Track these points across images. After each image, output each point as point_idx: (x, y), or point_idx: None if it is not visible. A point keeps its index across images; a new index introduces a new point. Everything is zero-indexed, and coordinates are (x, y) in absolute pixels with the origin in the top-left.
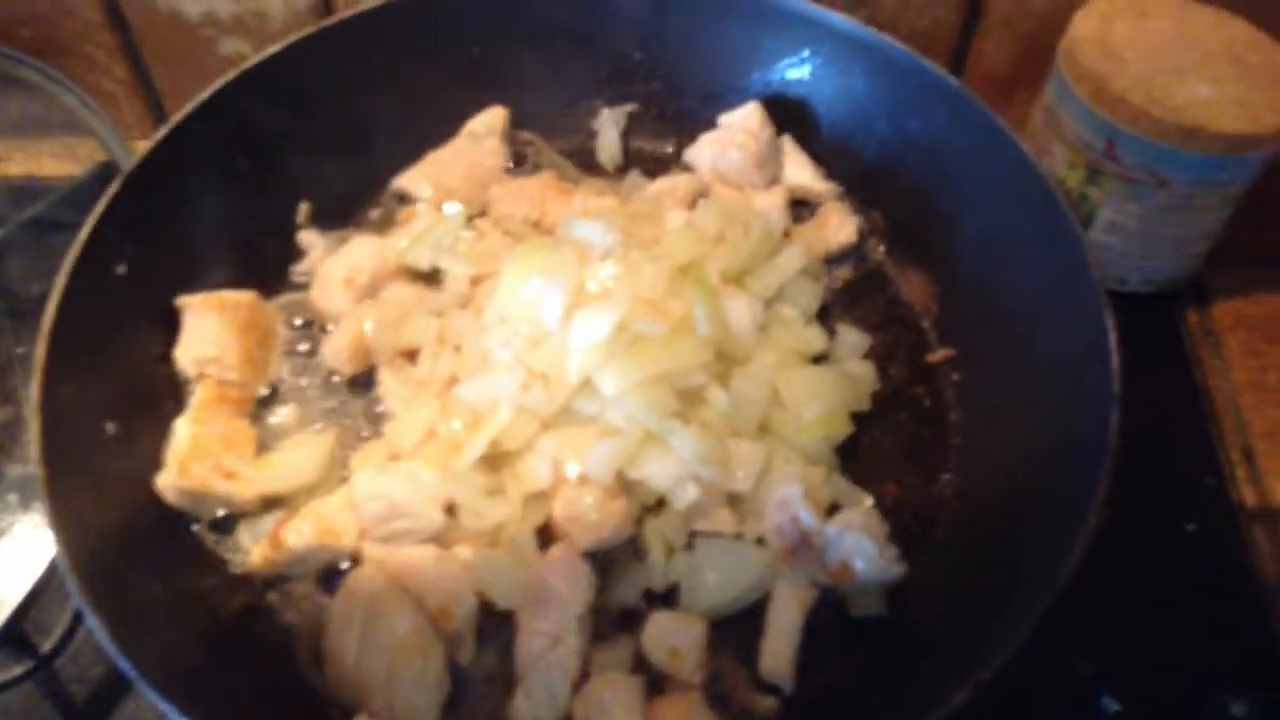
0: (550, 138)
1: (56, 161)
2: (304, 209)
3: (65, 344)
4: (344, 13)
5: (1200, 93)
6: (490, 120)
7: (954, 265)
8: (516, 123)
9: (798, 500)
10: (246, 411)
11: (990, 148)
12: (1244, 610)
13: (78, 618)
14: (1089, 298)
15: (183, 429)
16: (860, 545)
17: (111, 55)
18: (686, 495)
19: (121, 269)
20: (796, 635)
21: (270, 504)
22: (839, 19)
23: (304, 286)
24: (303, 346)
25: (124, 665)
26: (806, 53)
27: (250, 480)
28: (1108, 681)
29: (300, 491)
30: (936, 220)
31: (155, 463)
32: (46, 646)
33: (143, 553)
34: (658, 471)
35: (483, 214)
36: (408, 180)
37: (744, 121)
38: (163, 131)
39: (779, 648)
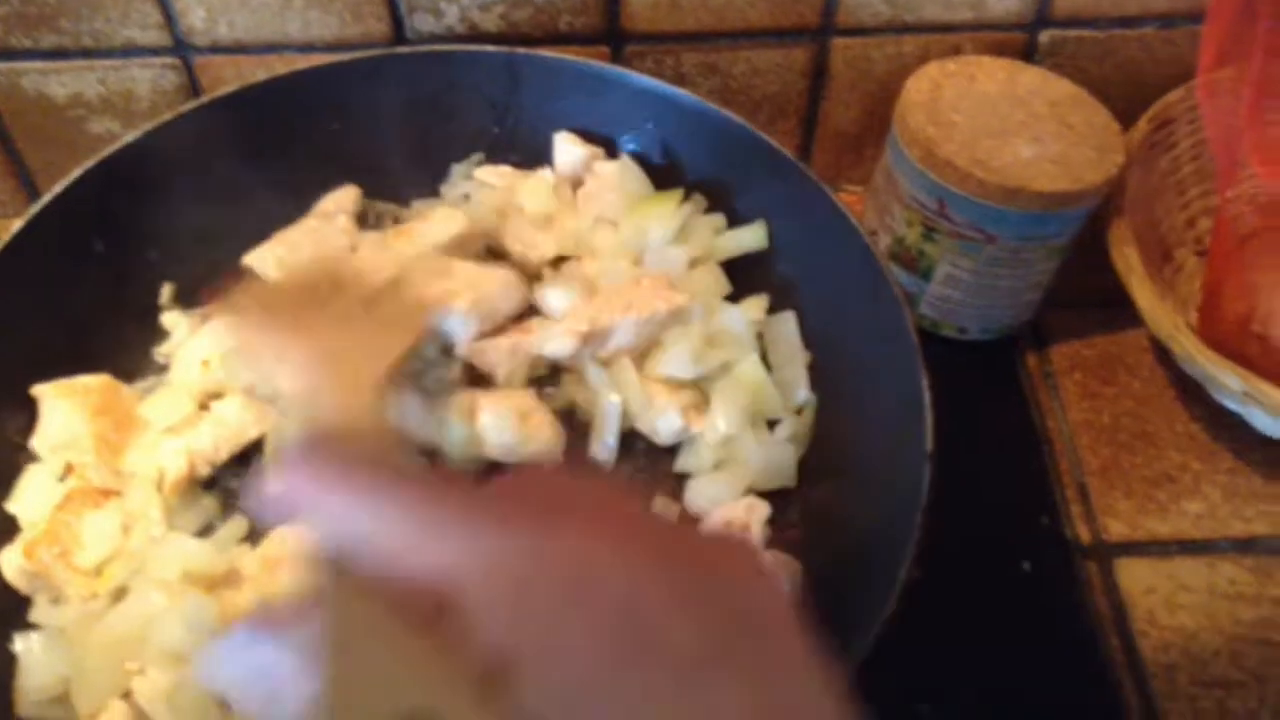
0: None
1: None
2: (167, 290)
3: None
4: (201, 97)
5: (1023, 153)
6: (341, 199)
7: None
8: (374, 195)
9: None
10: (104, 500)
11: (822, 216)
12: (1077, 645)
13: None
14: (907, 358)
15: (41, 512)
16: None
17: None
18: None
19: None
20: None
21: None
22: (679, 93)
23: (167, 369)
24: None
25: None
26: (650, 125)
27: (86, 576)
28: None
29: None
30: (779, 283)
31: None
32: None
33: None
34: None
35: None
36: (255, 258)
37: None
38: (17, 225)
39: None
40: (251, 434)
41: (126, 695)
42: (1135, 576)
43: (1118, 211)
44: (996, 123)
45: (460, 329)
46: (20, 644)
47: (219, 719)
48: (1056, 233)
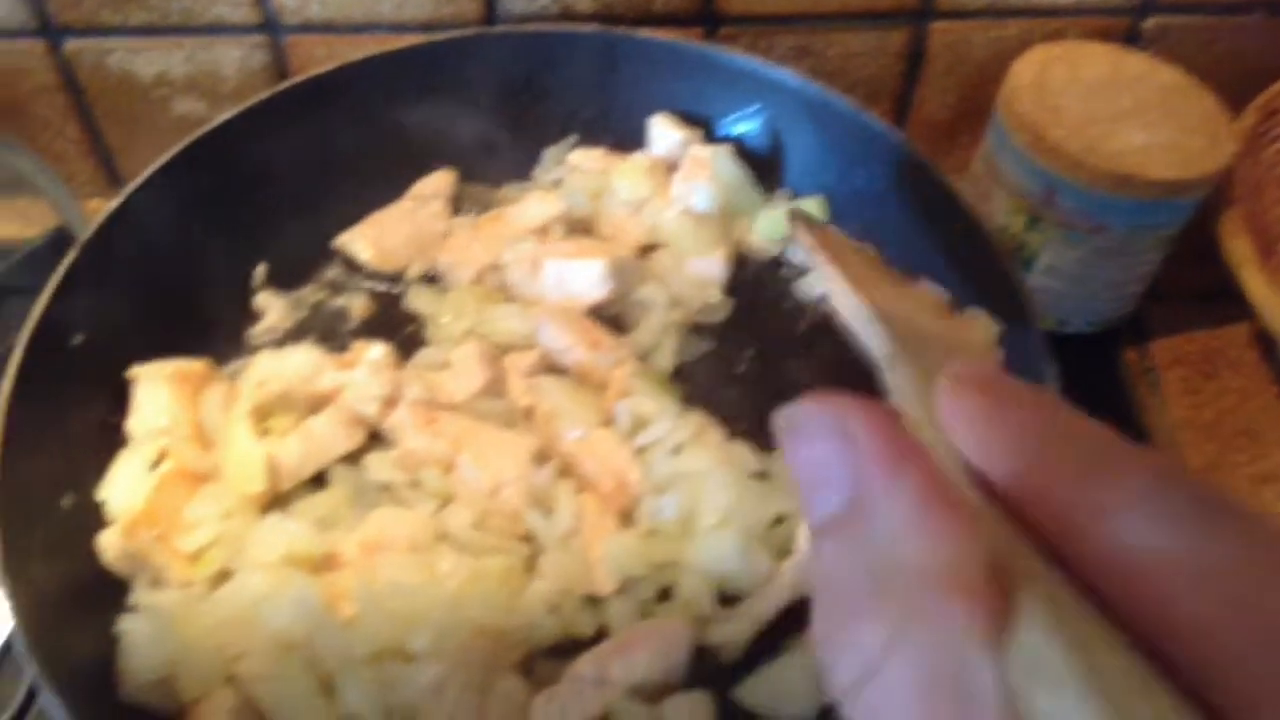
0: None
1: (6, 224)
2: (260, 271)
3: (22, 420)
4: (297, 76)
5: (1134, 140)
6: (437, 183)
7: None
8: (465, 178)
9: None
10: (200, 484)
11: (933, 201)
12: None
13: (31, 695)
14: (1032, 349)
15: (140, 492)
16: None
17: (64, 116)
18: None
19: (78, 339)
20: None
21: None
22: (785, 75)
23: (259, 350)
24: None
25: None
26: (754, 107)
27: (186, 561)
28: None
29: None
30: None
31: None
32: None
33: (101, 624)
34: None
35: (428, 278)
36: (348, 240)
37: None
38: (116, 201)
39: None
40: (339, 450)
41: (231, 679)
42: None
43: (1228, 202)
44: (1105, 109)
45: (599, 289)
46: (126, 625)
47: (323, 704)
48: (1166, 222)
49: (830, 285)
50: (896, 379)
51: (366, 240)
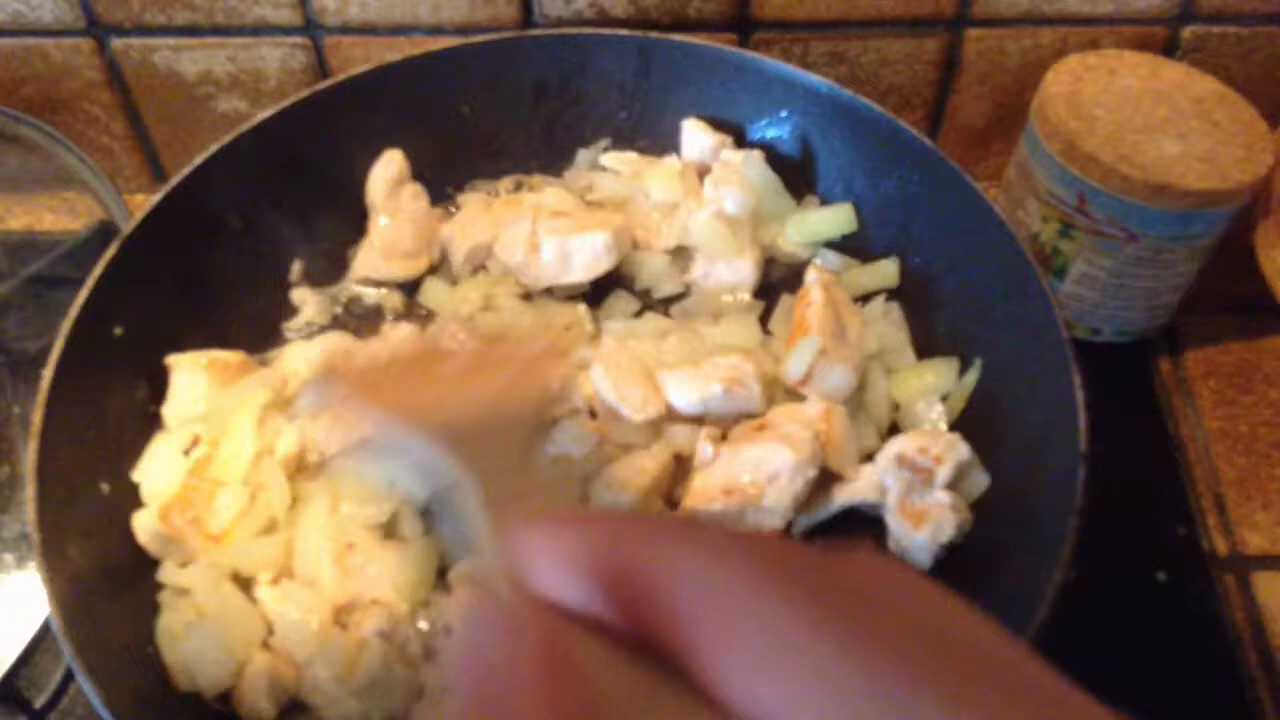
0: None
1: (54, 216)
2: (297, 267)
3: (62, 408)
4: (337, 76)
5: (1169, 150)
6: (388, 168)
7: (931, 320)
8: (500, 177)
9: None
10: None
11: (963, 207)
12: (1214, 659)
13: (70, 673)
14: (1057, 356)
15: (176, 477)
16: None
17: (110, 112)
18: None
19: (118, 330)
20: None
21: None
22: (816, 80)
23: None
24: None
25: None
26: (785, 112)
27: (214, 541)
28: None
29: None
30: (914, 276)
31: None
32: (40, 701)
33: (131, 603)
34: None
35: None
36: (361, 266)
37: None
38: (158, 196)
39: None
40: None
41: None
42: (1274, 590)
43: (1265, 213)
44: (1140, 118)
45: (603, 260)
46: (180, 636)
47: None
48: (1201, 233)
49: (380, 428)
50: (462, 506)
51: (378, 257)
